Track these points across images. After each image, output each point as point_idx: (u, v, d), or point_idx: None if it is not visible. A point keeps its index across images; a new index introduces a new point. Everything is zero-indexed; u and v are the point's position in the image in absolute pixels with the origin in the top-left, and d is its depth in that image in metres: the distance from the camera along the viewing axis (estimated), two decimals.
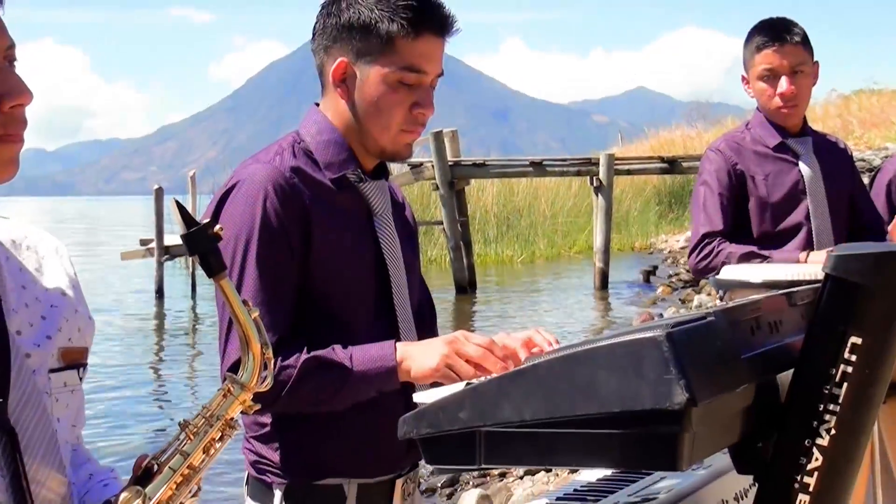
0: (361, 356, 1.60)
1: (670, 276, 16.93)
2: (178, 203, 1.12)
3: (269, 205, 1.61)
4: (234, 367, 1.56)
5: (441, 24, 1.67)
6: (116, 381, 9.48)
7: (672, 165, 16.77)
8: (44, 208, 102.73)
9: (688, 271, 17.07)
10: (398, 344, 1.62)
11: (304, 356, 1.60)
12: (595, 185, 16.01)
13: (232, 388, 1.12)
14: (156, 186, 17.26)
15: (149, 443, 7.06)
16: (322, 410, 1.64)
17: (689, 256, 2.94)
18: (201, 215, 1.36)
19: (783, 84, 2.86)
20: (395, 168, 14.06)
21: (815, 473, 1.15)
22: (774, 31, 2.87)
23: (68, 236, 29.78)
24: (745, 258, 2.77)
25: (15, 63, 1.07)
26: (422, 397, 1.42)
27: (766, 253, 2.78)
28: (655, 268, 17.63)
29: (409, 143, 1.72)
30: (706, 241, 2.87)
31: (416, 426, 1.15)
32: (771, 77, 2.88)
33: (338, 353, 1.61)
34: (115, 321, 13.54)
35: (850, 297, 1.14)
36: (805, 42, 2.87)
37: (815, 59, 2.92)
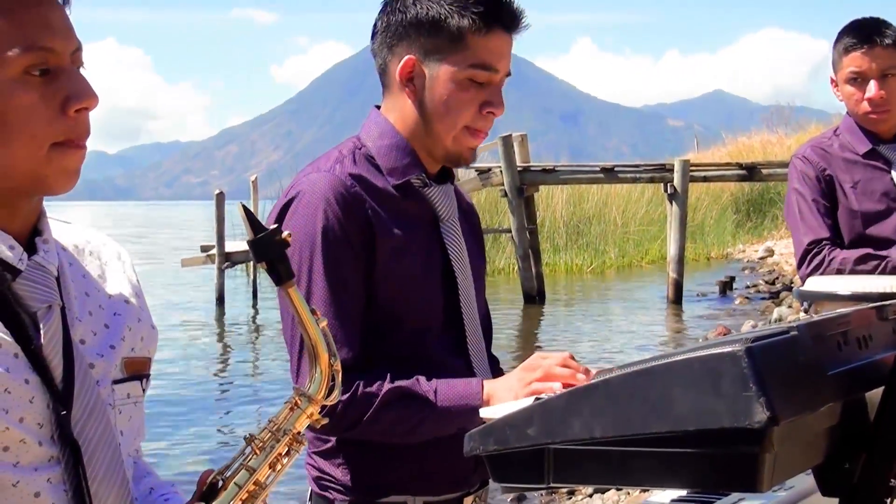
0: (446, 391, 1.58)
1: (748, 287, 16.52)
2: (245, 208, 1.10)
3: (332, 215, 1.58)
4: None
5: (511, 20, 1.63)
6: (176, 392, 9.39)
7: (751, 172, 16.28)
8: (104, 213, 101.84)
9: (766, 282, 16.69)
10: (484, 381, 1.60)
11: (387, 385, 1.57)
12: (669, 192, 15.57)
13: (299, 401, 1.09)
14: (217, 191, 16.49)
15: (211, 456, 6.97)
16: (396, 442, 1.62)
17: (798, 268, 2.82)
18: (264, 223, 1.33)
19: (871, 89, 2.75)
20: (461, 174, 13.96)
21: None
22: (864, 33, 2.76)
23: (128, 241, 30.14)
24: (861, 261, 2.66)
25: (81, 67, 1.07)
26: (489, 412, 1.38)
27: (883, 253, 2.66)
28: (732, 279, 17.15)
29: (473, 148, 1.68)
30: (814, 249, 2.76)
31: (483, 443, 1.12)
32: (859, 81, 2.77)
33: (422, 385, 1.59)
34: (175, 329, 13.40)
35: None
36: None
37: None
